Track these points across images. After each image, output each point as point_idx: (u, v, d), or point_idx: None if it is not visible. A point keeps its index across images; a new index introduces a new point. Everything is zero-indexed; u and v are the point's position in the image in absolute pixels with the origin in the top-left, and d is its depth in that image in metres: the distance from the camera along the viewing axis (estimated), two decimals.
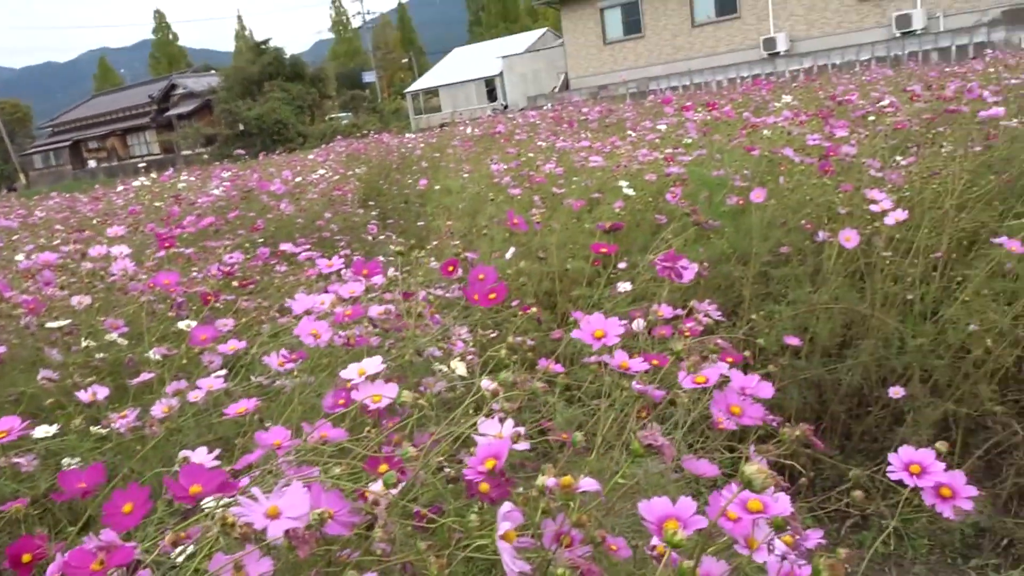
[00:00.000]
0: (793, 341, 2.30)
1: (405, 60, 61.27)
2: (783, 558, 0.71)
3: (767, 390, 0.89)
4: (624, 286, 2.10)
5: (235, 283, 2.00)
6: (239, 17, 65.19)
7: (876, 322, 2.33)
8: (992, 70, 6.29)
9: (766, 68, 20.05)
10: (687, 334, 1.39)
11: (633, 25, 25.03)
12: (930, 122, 3.57)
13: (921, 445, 2.24)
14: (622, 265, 2.50)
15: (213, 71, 47.32)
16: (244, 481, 0.84)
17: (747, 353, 1.72)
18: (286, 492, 0.75)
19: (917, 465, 0.97)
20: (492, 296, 1.35)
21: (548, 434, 1.09)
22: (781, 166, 2.84)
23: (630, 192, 3.15)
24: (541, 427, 1.23)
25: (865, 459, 2.44)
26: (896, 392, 2.13)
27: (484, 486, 0.79)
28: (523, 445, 0.93)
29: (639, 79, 22.53)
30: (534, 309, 1.54)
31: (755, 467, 0.71)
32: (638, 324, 1.54)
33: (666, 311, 1.49)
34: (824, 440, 2.43)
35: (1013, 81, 4.58)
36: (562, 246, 3.01)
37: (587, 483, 0.77)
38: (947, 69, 8.20)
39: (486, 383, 1.03)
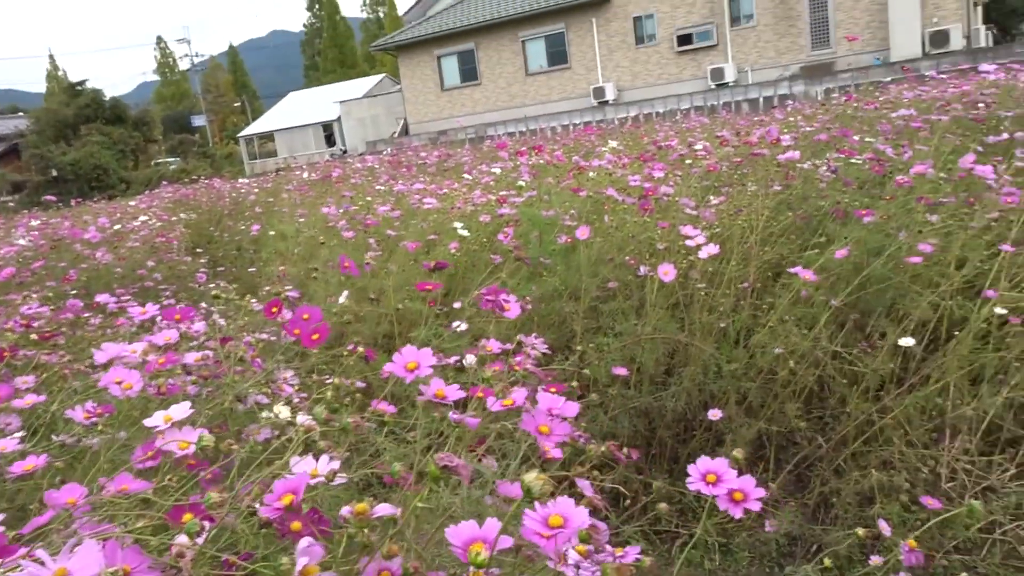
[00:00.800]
0: (621, 371, 2.40)
1: (238, 104, 59.46)
2: (577, 567, 0.74)
3: (572, 409, 0.93)
4: (460, 325, 2.12)
5: (35, 336, 1.84)
6: (51, 56, 60.90)
7: (695, 350, 2.48)
8: (792, 119, 6.96)
9: (596, 115, 21.12)
10: (515, 367, 1.42)
11: (469, 73, 25.68)
12: (738, 165, 3.89)
13: (739, 464, 2.38)
14: (457, 304, 2.53)
15: (21, 113, 43.79)
16: (30, 548, 0.77)
17: (574, 384, 1.78)
18: (77, 552, 0.69)
19: (713, 475, 1.03)
20: (315, 336, 1.32)
21: (373, 470, 1.08)
22: (605, 206, 2.99)
23: (465, 233, 3.20)
24: (371, 466, 1.21)
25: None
26: (715, 415, 2.27)
27: (295, 525, 0.77)
28: (340, 479, 0.92)
29: (477, 125, 23.05)
30: (361, 349, 1.52)
31: (534, 475, 0.73)
32: (469, 360, 1.56)
33: (495, 346, 1.52)
34: (654, 464, 2.55)
35: (807, 128, 5.08)
36: (400, 288, 3.00)
37: (383, 508, 0.76)
38: (755, 118, 8.99)
39: (301, 418, 1.01)
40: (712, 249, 2.24)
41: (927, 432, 2.43)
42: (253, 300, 1.77)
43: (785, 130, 5.23)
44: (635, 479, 2.52)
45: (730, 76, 21.62)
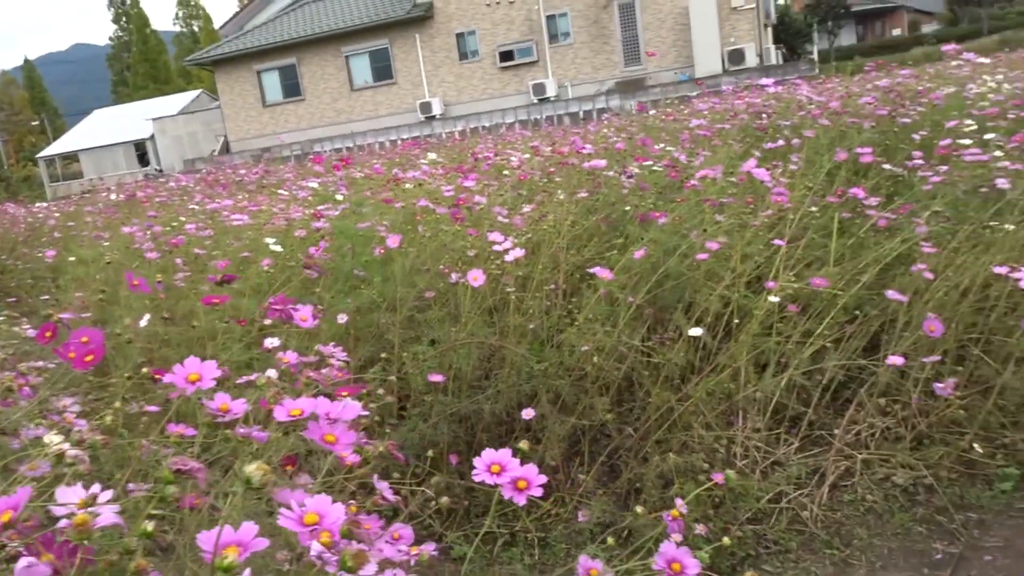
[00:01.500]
0: (437, 378, 2.43)
1: (36, 122, 54.54)
2: (319, 557, 0.75)
3: (351, 411, 0.93)
4: (272, 341, 2.06)
5: None
6: None
7: (509, 353, 2.55)
8: (604, 131, 7.32)
9: (424, 130, 21.21)
10: (309, 377, 1.40)
11: (292, 88, 25.00)
12: (550, 174, 4.05)
13: (555, 460, 2.45)
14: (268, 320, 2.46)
15: None
16: None
17: (380, 392, 1.78)
18: None
19: (497, 465, 1.07)
20: (89, 358, 1.25)
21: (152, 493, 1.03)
22: (418, 216, 3.01)
23: (278, 249, 3.12)
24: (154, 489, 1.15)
25: None
26: (528, 414, 2.35)
27: (46, 556, 0.72)
28: (112, 507, 0.87)
29: (303, 141, 22.48)
30: (145, 369, 1.45)
31: (254, 466, 0.74)
32: (271, 373, 1.53)
33: (291, 357, 1.50)
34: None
35: (615, 139, 5.37)
36: (212, 308, 2.87)
37: (105, 518, 0.74)
38: (573, 130, 9.38)
39: (68, 448, 0.95)
40: (518, 253, 2.32)
41: (721, 415, 2.63)
42: (28, 327, 1.63)
43: (598, 141, 5.50)
44: (457, 484, 2.55)
45: (551, 91, 22.42)
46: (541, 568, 2.25)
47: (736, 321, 2.69)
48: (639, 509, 1.30)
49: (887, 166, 3.60)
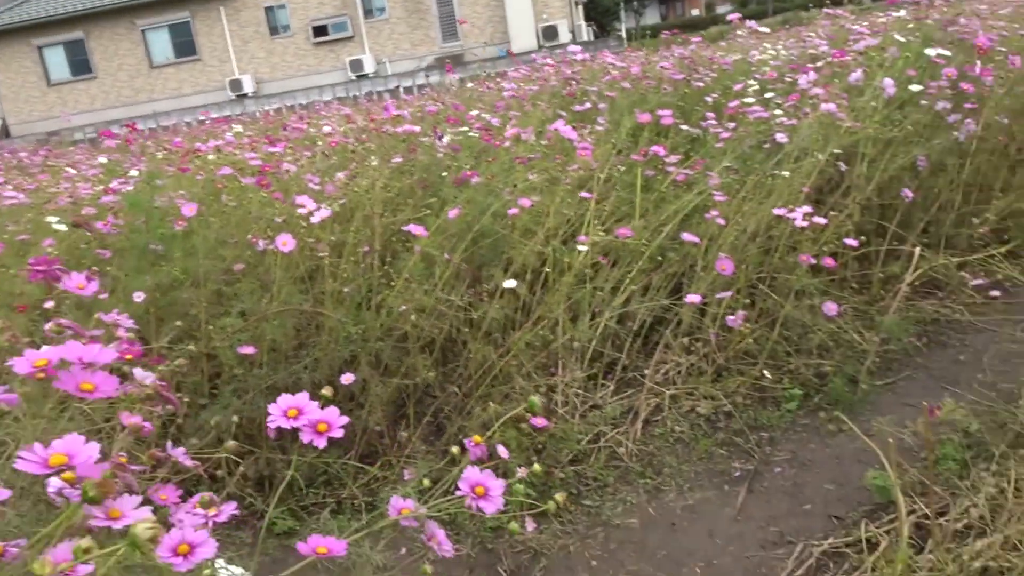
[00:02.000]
0: (248, 350, 2.33)
1: None
2: (60, 494, 0.69)
3: (108, 355, 0.85)
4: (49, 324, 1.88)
5: None
6: None
7: (326, 319, 2.49)
8: (421, 102, 7.27)
9: (236, 109, 20.12)
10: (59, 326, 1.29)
11: (81, 65, 22.87)
12: (363, 141, 3.96)
13: (377, 424, 2.41)
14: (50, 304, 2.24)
15: None
16: None
17: (179, 362, 1.68)
18: None
19: (294, 409, 1.03)
20: None
21: None
22: (220, 184, 2.86)
23: (62, 228, 2.85)
24: None
25: (334, 448, 2.59)
26: (347, 379, 2.30)
27: None
28: None
29: (98, 123, 20.67)
30: None
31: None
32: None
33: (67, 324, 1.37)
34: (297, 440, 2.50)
35: (432, 107, 5.33)
36: None
37: None
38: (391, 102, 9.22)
39: None
40: (324, 213, 2.26)
41: (541, 366, 2.71)
42: None
43: (414, 111, 5.45)
44: (278, 459, 2.47)
45: (369, 68, 21.98)
46: (370, 532, 2.22)
47: (550, 273, 2.77)
48: (454, 449, 1.30)
49: (684, 127, 3.82)
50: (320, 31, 22.46)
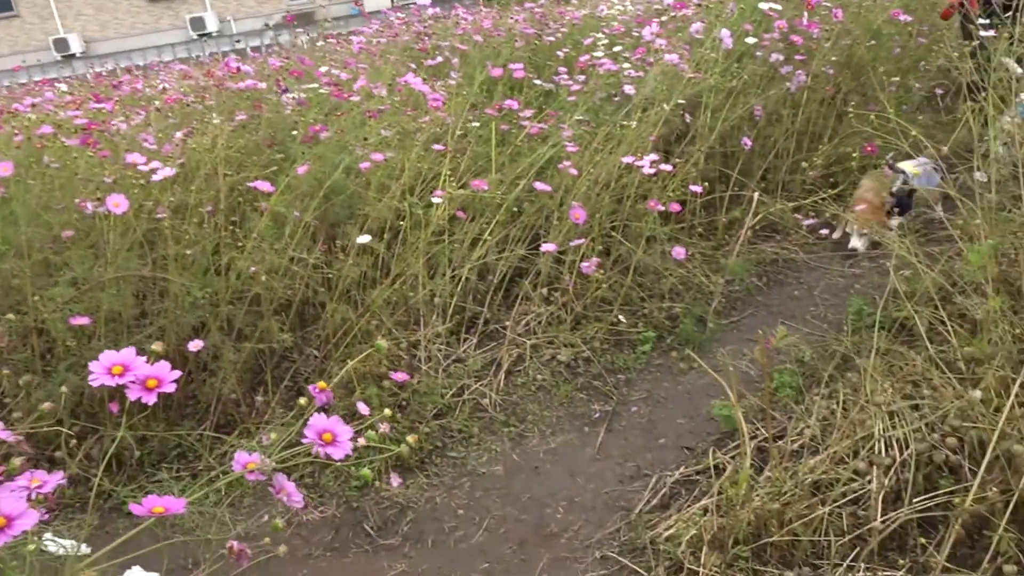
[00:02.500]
0: (82, 321, 2.16)
1: None
2: None
3: None
4: None
5: None
6: None
7: (170, 284, 2.35)
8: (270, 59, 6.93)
9: (63, 71, 18.49)
10: None
11: None
12: (203, 99, 3.74)
13: (232, 391, 2.30)
14: None
15: None
16: None
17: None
18: None
19: (119, 366, 0.97)
20: None
21: None
22: (41, 145, 2.61)
23: None
24: None
25: (187, 420, 2.48)
26: (195, 345, 2.19)
27: None
28: None
29: None
30: None
31: None
32: None
33: None
34: (152, 416, 2.37)
35: (276, 62, 5.09)
36: None
37: None
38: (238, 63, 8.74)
39: None
40: (167, 172, 2.11)
41: (402, 324, 2.68)
42: None
43: (260, 69, 5.19)
44: (128, 435, 2.33)
45: (212, 26, 20.73)
46: (230, 503, 2.15)
47: (407, 229, 2.73)
48: (301, 400, 1.26)
49: (538, 81, 3.85)
50: None
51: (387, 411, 1.61)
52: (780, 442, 1.98)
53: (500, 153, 3.11)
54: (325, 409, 1.17)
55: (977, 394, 1.54)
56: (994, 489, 1.46)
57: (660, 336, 2.73)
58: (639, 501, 1.97)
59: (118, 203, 2.12)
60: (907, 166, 3.20)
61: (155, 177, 2.14)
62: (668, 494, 1.97)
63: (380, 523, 2.06)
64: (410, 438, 1.25)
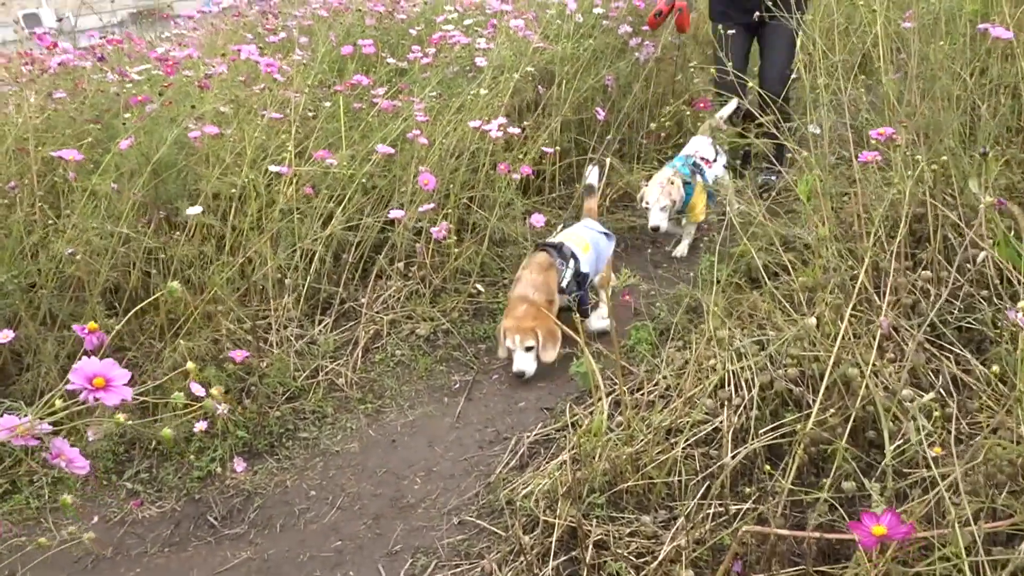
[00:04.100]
0: None
1: None
2: None
3: None
4: None
5: None
6: None
7: None
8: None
9: None
10: None
11: None
12: (18, 79, 3.42)
13: (51, 387, 2.09)
14: None
15: None
16: None
17: None
18: None
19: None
20: None
21: None
22: None
23: None
24: None
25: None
26: (4, 336, 1.96)
27: None
28: None
29: None
30: None
31: None
32: None
33: None
34: None
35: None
36: None
37: None
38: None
39: None
40: None
41: (247, 305, 2.52)
42: None
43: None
44: None
45: (49, 22, 19.30)
46: (53, 507, 1.94)
47: (250, 204, 2.57)
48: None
49: (391, 60, 3.74)
50: None
51: (215, 390, 1.46)
52: (637, 394, 1.98)
53: (351, 129, 2.99)
54: (98, 351, 1.03)
55: (812, 321, 1.57)
56: (832, 412, 1.50)
57: None
58: (499, 464, 1.91)
59: None
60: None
61: None
62: (527, 454, 1.93)
63: (224, 513, 1.91)
64: (215, 390, 1.12)
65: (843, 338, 1.54)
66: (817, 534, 1.25)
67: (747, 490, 1.50)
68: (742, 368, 1.82)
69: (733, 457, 1.58)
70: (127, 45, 4.10)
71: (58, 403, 1.10)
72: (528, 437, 1.98)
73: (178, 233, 2.47)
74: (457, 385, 2.33)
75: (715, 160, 3.20)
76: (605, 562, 1.45)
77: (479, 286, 2.69)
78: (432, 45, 3.69)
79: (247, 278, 2.49)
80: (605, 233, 2.63)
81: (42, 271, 2.14)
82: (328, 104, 3.16)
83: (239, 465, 1.99)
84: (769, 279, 2.03)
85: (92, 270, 2.20)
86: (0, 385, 2.24)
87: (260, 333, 2.50)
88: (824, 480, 1.39)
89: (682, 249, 3.09)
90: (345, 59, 3.66)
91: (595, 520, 1.56)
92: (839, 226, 1.92)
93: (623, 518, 1.58)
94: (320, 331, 2.60)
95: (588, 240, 2.50)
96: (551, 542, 1.51)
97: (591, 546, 1.47)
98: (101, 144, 2.66)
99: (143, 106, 2.51)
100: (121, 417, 1.16)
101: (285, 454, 2.09)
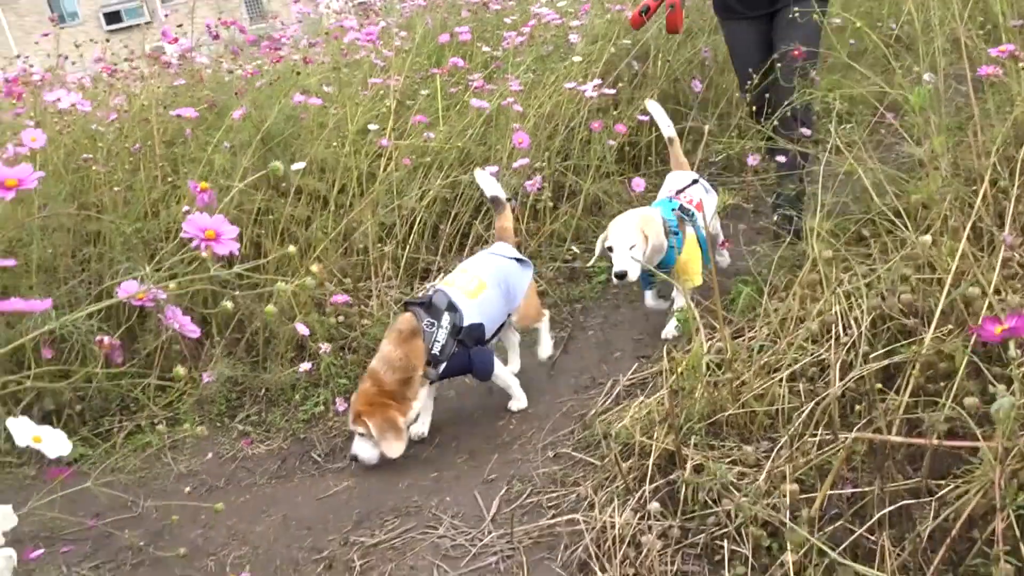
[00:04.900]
0: (7, 263, 2.06)
1: None
2: None
3: None
4: None
5: None
6: None
7: (104, 226, 2.26)
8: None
9: None
10: None
11: None
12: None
13: (176, 342, 2.20)
14: None
15: None
16: None
17: None
18: None
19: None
20: None
21: None
22: None
23: None
24: None
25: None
26: (129, 288, 2.09)
27: None
28: None
29: None
30: None
31: None
32: None
33: None
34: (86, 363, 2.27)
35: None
36: None
37: None
38: None
39: None
40: (76, 98, 2.03)
41: (350, 275, 2.61)
42: None
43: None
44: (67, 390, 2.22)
45: None
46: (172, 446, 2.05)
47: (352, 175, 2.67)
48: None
49: (486, 48, 3.81)
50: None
51: (315, 267, 1.43)
52: (738, 340, 1.93)
53: (448, 109, 3.06)
54: (208, 208, 1.09)
55: (927, 238, 1.49)
56: (952, 335, 1.41)
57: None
58: (594, 407, 1.89)
59: (35, 137, 2.02)
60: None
61: (61, 105, 2.04)
62: (623, 395, 1.90)
63: (327, 450, 1.98)
64: (314, 267, 1.16)
65: (962, 257, 1.46)
66: (935, 441, 1.17)
67: (857, 407, 1.42)
68: (850, 306, 1.74)
69: (842, 382, 1.50)
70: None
71: (171, 285, 1.17)
72: (624, 379, 1.95)
73: (283, 198, 2.58)
74: (553, 341, 2.33)
75: (705, 200, 2.38)
76: (704, 483, 1.41)
77: (575, 248, 2.68)
78: (526, 28, 3.74)
79: (350, 241, 2.58)
80: (519, 259, 2.12)
81: (162, 227, 2.28)
82: (425, 92, 3.25)
83: (341, 405, 2.05)
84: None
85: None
86: (128, 341, 2.39)
87: (361, 297, 2.58)
88: (942, 401, 1.31)
89: (670, 330, 2.16)
90: (442, 49, 3.76)
91: (693, 448, 1.52)
92: (955, 147, 1.81)
93: (723, 446, 1.53)
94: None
95: (488, 277, 2.00)
96: (648, 465, 1.48)
97: (690, 469, 1.44)
98: (215, 125, 2.83)
99: (253, 80, 2.65)
100: (272, 308, 1.23)
101: None
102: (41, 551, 1.73)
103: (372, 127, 2.63)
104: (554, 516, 1.51)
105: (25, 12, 20.59)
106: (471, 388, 2.14)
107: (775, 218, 2.54)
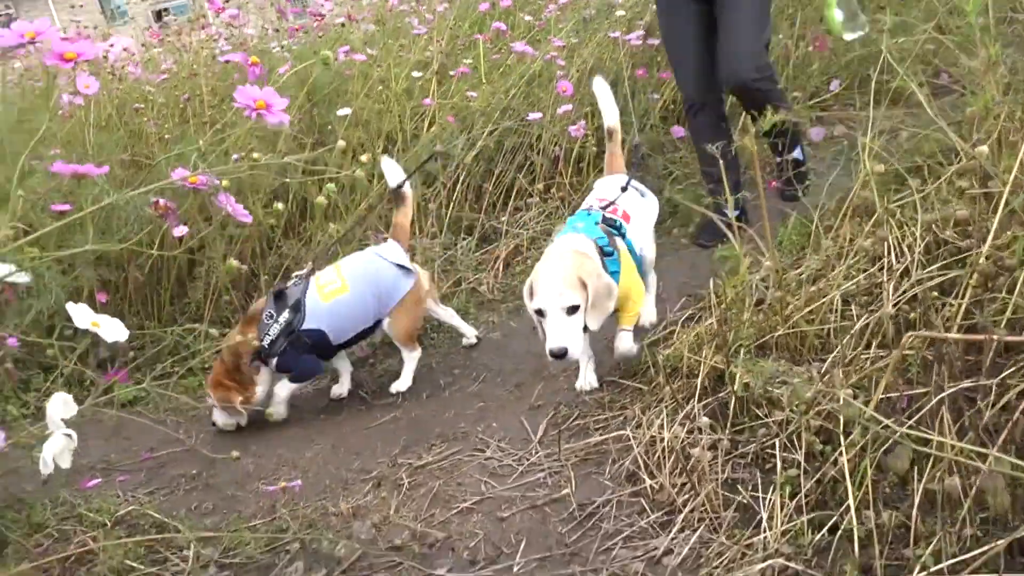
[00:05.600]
0: (62, 208, 2.12)
1: None
2: None
3: None
4: None
5: None
6: None
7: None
8: None
9: None
10: None
11: None
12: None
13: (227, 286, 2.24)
14: None
15: None
16: None
17: None
18: None
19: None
20: None
21: None
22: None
23: None
24: None
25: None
26: (181, 231, 2.14)
27: None
28: None
29: None
30: None
31: None
32: None
33: None
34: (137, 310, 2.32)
35: None
36: None
37: None
38: None
39: None
40: (126, 41, 2.08)
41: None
42: None
43: None
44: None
45: None
46: None
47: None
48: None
49: (528, 18, 3.80)
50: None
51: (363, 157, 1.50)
52: (787, 273, 1.89)
53: (491, 72, 3.07)
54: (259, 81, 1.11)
55: (984, 149, 1.44)
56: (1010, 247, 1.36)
57: (660, 221, 2.64)
58: (644, 341, 1.88)
59: (88, 84, 2.07)
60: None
61: (112, 53, 2.09)
62: (671, 329, 1.88)
63: (375, 389, 1.99)
64: (363, 157, 1.17)
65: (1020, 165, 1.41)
66: (995, 335, 1.14)
67: (911, 316, 1.38)
68: (903, 236, 1.70)
69: (896, 297, 1.47)
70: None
71: (225, 182, 1.18)
72: (670, 316, 1.94)
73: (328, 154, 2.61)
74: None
75: (640, 208, 1.98)
76: (756, 377, 1.38)
77: None
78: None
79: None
80: (401, 266, 1.94)
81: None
82: (467, 61, 3.25)
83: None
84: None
85: (253, 178, 2.36)
86: (179, 286, 2.45)
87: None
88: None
89: (590, 379, 1.72)
90: (484, 18, 3.76)
91: (743, 368, 1.50)
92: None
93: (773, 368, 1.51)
94: (462, 251, 2.67)
95: (353, 280, 1.87)
96: (696, 384, 1.47)
97: (739, 382, 1.41)
98: (261, 84, 2.87)
99: (297, 35, 2.68)
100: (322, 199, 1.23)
101: (430, 343, 2.15)
102: (98, 480, 1.79)
103: (416, 74, 2.64)
104: (602, 435, 1.50)
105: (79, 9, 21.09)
106: (514, 329, 2.14)
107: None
